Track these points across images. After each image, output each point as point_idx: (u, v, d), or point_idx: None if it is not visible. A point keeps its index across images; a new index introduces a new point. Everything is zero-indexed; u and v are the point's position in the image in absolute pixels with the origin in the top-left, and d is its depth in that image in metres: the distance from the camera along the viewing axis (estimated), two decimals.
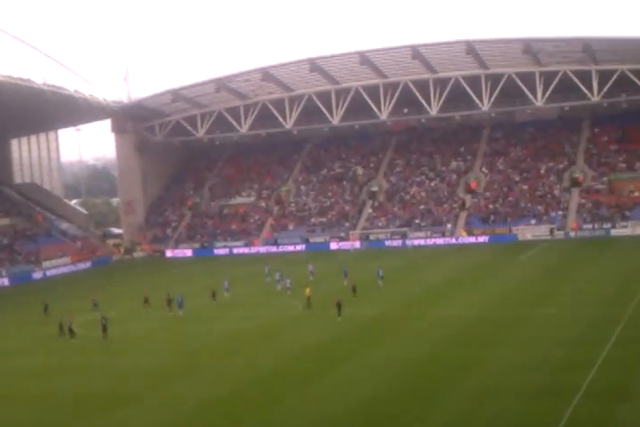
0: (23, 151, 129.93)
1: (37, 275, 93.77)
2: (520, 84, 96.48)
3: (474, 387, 35.34)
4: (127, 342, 50.35)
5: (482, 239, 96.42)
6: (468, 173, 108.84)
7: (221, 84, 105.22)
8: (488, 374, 37.44)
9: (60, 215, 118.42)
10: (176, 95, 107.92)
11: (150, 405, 36.28)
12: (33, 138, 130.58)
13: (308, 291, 58.49)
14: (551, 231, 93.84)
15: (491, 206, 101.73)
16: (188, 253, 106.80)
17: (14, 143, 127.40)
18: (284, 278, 66.29)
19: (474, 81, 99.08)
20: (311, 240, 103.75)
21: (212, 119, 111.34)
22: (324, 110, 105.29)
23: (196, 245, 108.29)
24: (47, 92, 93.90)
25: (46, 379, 42.38)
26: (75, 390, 39.33)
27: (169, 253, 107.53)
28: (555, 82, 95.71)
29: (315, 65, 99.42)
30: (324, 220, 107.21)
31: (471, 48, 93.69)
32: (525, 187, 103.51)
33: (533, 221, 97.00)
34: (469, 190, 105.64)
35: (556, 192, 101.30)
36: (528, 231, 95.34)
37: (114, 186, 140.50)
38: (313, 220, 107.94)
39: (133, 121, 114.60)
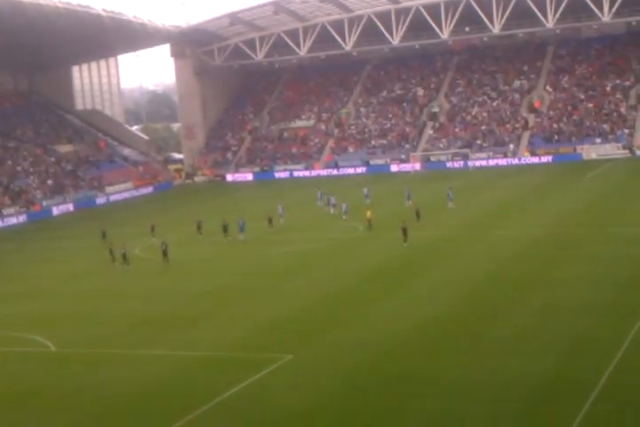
0: (84, 78, 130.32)
1: (101, 200, 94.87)
2: None
3: (537, 304, 35.07)
4: (188, 266, 50.66)
5: (545, 159, 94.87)
6: (532, 91, 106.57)
7: (279, 6, 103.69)
8: (552, 291, 37.07)
9: (122, 141, 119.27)
10: (234, 18, 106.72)
11: (218, 323, 36.69)
12: (93, 64, 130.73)
13: (368, 213, 58.19)
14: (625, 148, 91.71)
15: (554, 126, 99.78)
16: (249, 177, 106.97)
17: (75, 70, 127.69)
18: (339, 202, 65.82)
19: None
20: (371, 162, 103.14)
21: (270, 42, 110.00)
22: (384, 31, 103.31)
23: (257, 169, 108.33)
24: (106, 17, 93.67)
25: (116, 301, 43.04)
26: (144, 311, 39.93)
27: (229, 178, 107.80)
28: None
29: None
30: (385, 142, 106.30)
31: None
32: (590, 105, 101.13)
33: (599, 140, 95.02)
34: (532, 110, 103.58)
35: (623, 110, 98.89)
36: (593, 150, 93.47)
37: (174, 111, 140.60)
38: (373, 142, 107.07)
39: (192, 45, 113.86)
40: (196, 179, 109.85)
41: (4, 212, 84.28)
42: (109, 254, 52.66)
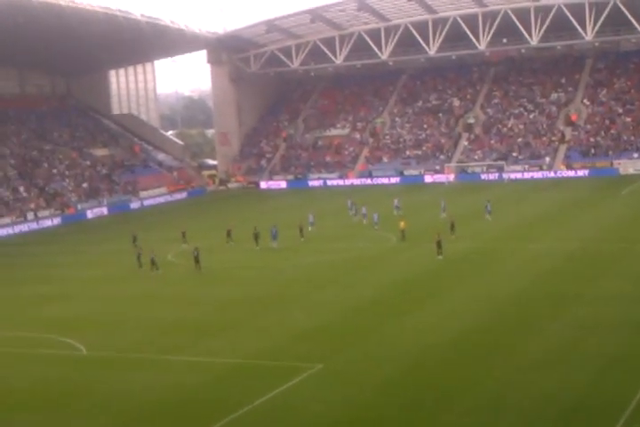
0: (121, 82, 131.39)
1: (135, 205, 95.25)
2: (625, 11, 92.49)
3: (573, 319, 34.75)
4: (220, 273, 50.61)
5: (581, 173, 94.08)
6: (569, 104, 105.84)
7: (316, 15, 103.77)
8: (586, 307, 36.67)
9: (157, 146, 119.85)
10: (271, 26, 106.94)
11: (249, 331, 36.62)
12: (130, 69, 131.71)
13: (402, 224, 57.86)
14: None
15: (591, 139, 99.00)
16: (283, 184, 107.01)
17: (112, 74, 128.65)
18: (370, 212, 65.58)
19: (577, 8, 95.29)
20: (405, 173, 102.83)
21: (306, 50, 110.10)
22: (421, 41, 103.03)
23: (291, 177, 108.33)
24: (144, 23, 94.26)
25: (148, 306, 43.17)
26: (176, 317, 39.94)
27: (263, 185, 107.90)
28: None
29: None
30: (419, 152, 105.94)
31: None
32: (628, 119, 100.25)
33: (636, 155, 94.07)
34: (569, 123, 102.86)
35: None
36: (630, 165, 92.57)
37: (209, 117, 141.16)
38: (408, 152, 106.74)
39: (228, 52, 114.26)
40: (230, 185, 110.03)
41: (39, 214, 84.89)
42: (137, 260, 52.82)
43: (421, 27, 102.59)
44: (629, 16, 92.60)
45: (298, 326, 36.84)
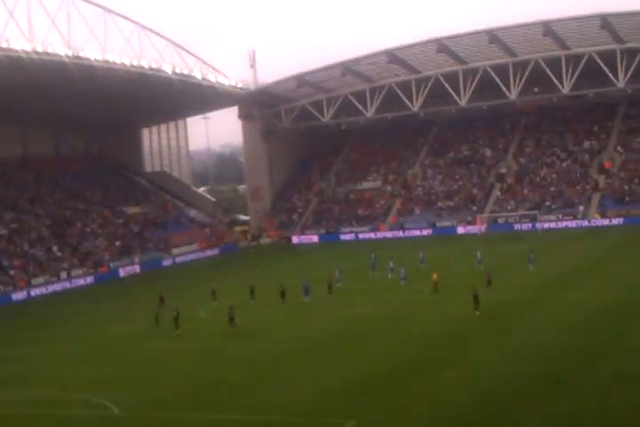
0: (153, 140, 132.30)
1: (167, 262, 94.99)
2: None
3: (607, 374, 33.58)
4: (251, 329, 49.66)
5: (616, 222, 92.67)
6: (602, 152, 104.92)
7: (347, 68, 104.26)
8: (623, 362, 35.47)
9: (189, 203, 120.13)
10: (301, 81, 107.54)
11: (280, 387, 36.04)
12: (162, 127, 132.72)
13: (435, 276, 56.99)
14: None
15: (626, 187, 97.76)
16: (315, 238, 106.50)
17: (145, 132, 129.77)
18: (397, 267, 64.73)
19: (608, 56, 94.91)
20: (438, 224, 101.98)
21: (337, 104, 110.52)
22: (452, 91, 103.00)
23: (322, 231, 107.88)
24: (176, 80, 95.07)
25: (178, 363, 42.56)
26: (206, 374, 39.35)
27: (295, 239, 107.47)
28: None
29: (442, 45, 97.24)
30: (451, 203, 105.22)
31: (606, 22, 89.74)
32: None
33: None
34: (603, 171, 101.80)
35: None
36: None
37: (241, 172, 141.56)
38: (440, 203, 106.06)
39: (260, 107, 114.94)
40: (262, 241, 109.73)
41: (73, 273, 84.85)
42: (155, 318, 52.61)
43: (452, 78, 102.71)
44: None
45: (330, 381, 36.01)
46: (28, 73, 78.77)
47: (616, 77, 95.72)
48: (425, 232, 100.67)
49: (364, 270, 70.29)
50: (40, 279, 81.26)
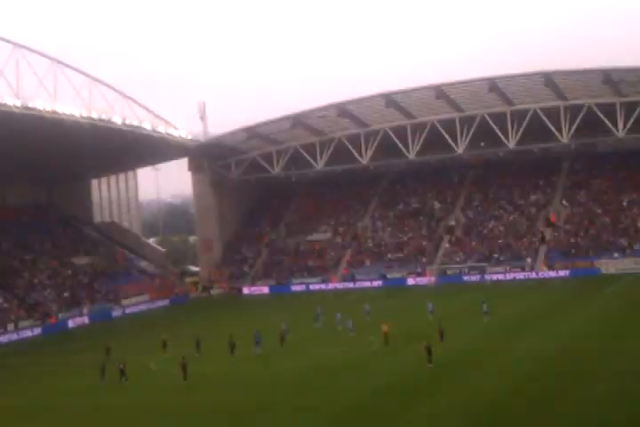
0: (103, 191, 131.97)
1: (117, 313, 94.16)
2: (600, 115, 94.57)
3: (559, 421, 34.06)
4: (200, 382, 49.39)
5: (563, 273, 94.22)
6: (548, 206, 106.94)
7: (297, 121, 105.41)
8: (571, 407, 36.19)
9: (139, 253, 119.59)
10: (251, 133, 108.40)
11: None
12: (112, 178, 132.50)
13: (385, 327, 57.31)
14: None
15: (572, 240, 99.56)
16: (265, 289, 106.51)
17: (94, 183, 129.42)
18: (344, 319, 64.99)
19: (553, 112, 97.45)
20: (388, 276, 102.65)
21: (287, 156, 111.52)
22: (400, 145, 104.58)
23: (273, 282, 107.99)
24: (126, 132, 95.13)
25: (130, 417, 42.21)
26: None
27: (246, 290, 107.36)
28: (636, 112, 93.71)
29: (390, 100, 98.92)
30: (401, 255, 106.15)
31: (549, 79, 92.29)
32: (607, 219, 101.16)
33: (616, 255, 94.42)
34: (549, 224, 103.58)
35: None
36: (612, 265, 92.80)
37: (191, 223, 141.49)
38: (390, 255, 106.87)
39: (210, 159, 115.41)
40: (213, 292, 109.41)
41: (20, 324, 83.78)
42: (100, 371, 51.77)
43: (400, 131, 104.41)
44: (604, 119, 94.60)
45: None
46: None
47: (560, 133, 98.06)
48: (375, 284, 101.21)
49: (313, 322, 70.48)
50: None
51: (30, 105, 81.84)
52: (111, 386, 50.59)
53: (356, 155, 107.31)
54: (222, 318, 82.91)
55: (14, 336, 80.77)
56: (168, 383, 49.84)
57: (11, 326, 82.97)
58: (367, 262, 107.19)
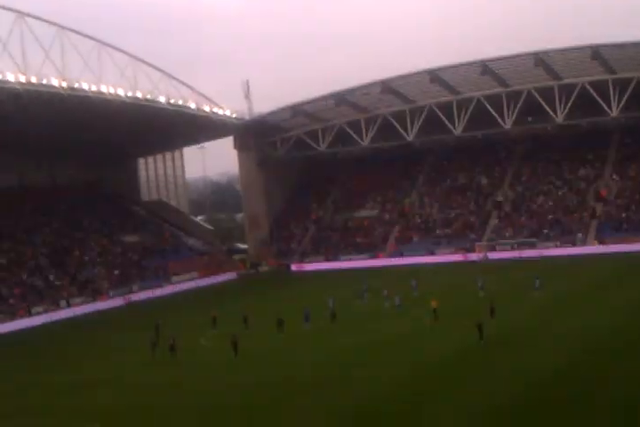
0: (150, 170, 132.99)
1: (166, 290, 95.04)
2: None
3: (609, 400, 33.75)
4: (252, 357, 49.75)
5: (614, 248, 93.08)
6: (598, 180, 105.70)
7: (341, 98, 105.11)
8: (626, 384, 35.78)
9: (187, 231, 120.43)
10: (296, 111, 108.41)
11: (287, 413, 36.10)
12: (159, 156, 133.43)
13: (434, 303, 57.12)
14: None
15: (623, 214, 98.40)
16: (314, 266, 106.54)
17: (141, 162, 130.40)
18: (392, 296, 64.95)
19: (601, 86, 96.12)
20: (436, 252, 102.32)
21: (332, 133, 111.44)
22: (446, 121, 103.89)
23: (321, 259, 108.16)
24: (171, 111, 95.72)
25: (178, 392, 42.54)
26: (208, 403, 39.44)
27: (294, 267, 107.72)
28: None
29: (434, 76, 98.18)
30: (449, 231, 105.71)
31: (596, 53, 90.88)
32: None
33: None
34: (599, 198, 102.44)
35: None
36: None
37: (238, 201, 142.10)
38: (438, 231, 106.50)
39: (255, 137, 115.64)
40: (261, 269, 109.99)
41: (72, 302, 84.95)
42: (151, 348, 52.73)
43: (446, 107, 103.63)
44: None
45: (337, 406, 36.10)
46: (24, 104, 79.19)
47: (609, 107, 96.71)
48: (423, 260, 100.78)
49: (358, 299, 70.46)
50: (39, 308, 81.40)
51: (76, 86, 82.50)
52: (163, 362, 51.17)
53: (402, 131, 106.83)
54: (270, 295, 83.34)
55: (67, 313, 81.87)
56: (218, 359, 50.27)
57: (63, 304, 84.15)
58: (415, 238, 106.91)
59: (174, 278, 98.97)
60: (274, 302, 73.04)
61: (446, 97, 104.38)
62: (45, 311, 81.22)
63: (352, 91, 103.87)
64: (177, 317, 71.95)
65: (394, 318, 59.48)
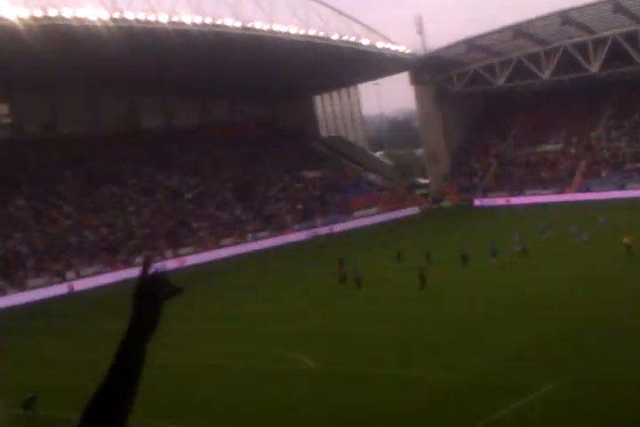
0: (326, 106, 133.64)
1: (348, 225, 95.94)
2: None
3: None
4: (441, 292, 50.01)
5: None
6: None
7: (518, 31, 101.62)
8: None
9: (367, 167, 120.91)
10: (471, 45, 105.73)
11: (473, 347, 36.09)
12: (335, 94, 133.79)
13: (626, 239, 55.05)
14: None
15: None
16: (497, 201, 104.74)
17: (317, 99, 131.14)
18: (579, 232, 63.01)
19: None
20: (627, 187, 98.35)
21: (510, 67, 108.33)
22: (631, 52, 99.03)
23: (505, 194, 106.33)
24: (344, 48, 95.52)
25: (373, 322, 43.57)
26: (401, 333, 40.12)
27: (477, 202, 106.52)
28: None
29: (618, 5, 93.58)
30: None
31: None
32: None
33: None
34: None
35: None
36: None
37: (415, 137, 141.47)
38: (628, 165, 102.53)
39: (431, 72, 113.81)
40: (443, 204, 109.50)
41: (257, 235, 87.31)
42: (340, 279, 54.49)
43: (630, 38, 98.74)
44: None
45: (522, 343, 35.78)
46: (199, 46, 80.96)
47: None
48: (613, 195, 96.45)
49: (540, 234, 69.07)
50: (228, 241, 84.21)
51: (249, 26, 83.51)
52: (350, 294, 52.10)
53: (584, 63, 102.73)
54: (453, 230, 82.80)
55: (254, 246, 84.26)
56: (405, 293, 50.75)
57: (250, 237, 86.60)
58: (603, 173, 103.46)
59: (355, 213, 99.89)
60: (457, 237, 72.66)
61: (630, 27, 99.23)
62: (233, 244, 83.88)
63: (530, 23, 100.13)
64: (360, 251, 72.59)
65: (582, 254, 57.70)
